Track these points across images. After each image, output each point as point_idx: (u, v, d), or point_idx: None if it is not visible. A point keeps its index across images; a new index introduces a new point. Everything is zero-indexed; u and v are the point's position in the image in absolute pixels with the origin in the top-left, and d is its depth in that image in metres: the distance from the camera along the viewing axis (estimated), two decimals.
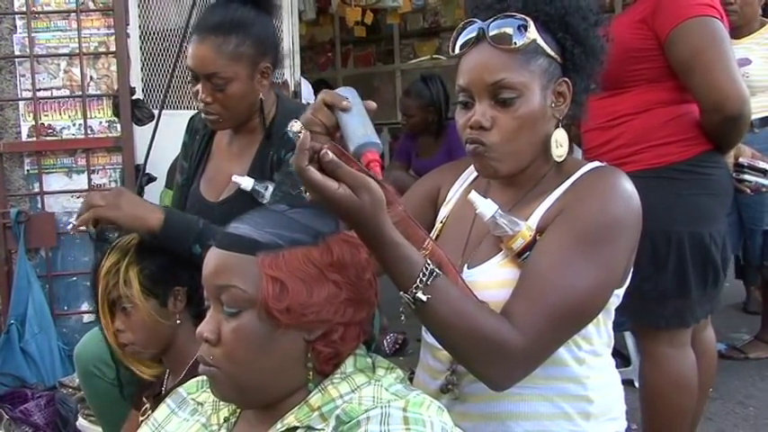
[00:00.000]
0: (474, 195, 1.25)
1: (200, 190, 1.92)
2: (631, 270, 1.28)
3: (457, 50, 1.27)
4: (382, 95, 7.41)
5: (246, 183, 1.65)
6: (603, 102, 2.11)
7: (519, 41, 1.21)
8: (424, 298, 1.03)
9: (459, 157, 4.23)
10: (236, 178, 1.55)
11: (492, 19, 1.23)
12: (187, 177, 1.98)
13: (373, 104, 1.18)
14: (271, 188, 1.74)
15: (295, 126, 1.14)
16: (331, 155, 0.97)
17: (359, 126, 1.11)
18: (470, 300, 1.11)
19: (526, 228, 1.21)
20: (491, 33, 1.22)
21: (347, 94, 1.16)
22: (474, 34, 1.24)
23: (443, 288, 1.05)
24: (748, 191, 2.25)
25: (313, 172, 0.96)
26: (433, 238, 1.37)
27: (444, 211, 1.41)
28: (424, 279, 1.03)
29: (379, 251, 1.02)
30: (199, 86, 1.78)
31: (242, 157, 1.86)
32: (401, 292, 1.05)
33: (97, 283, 1.64)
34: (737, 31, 3.40)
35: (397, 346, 3.83)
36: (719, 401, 3.00)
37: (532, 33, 1.21)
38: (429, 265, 1.04)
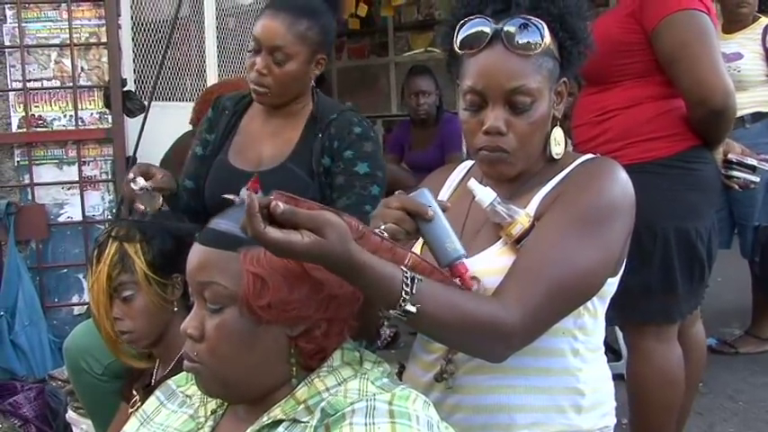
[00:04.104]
0: (473, 183, 1.25)
1: (228, 160, 1.98)
2: (625, 259, 1.29)
3: (458, 45, 1.25)
4: (376, 88, 7.40)
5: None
6: (593, 97, 2.12)
7: (537, 46, 1.20)
8: (413, 309, 1.01)
9: (452, 151, 4.23)
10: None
11: (505, 19, 1.20)
12: (212, 149, 2.02)
13: (447, 204, 1.19)
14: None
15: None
16: (282, 206, 0.90)
17: (445, 238, 1.14)
18: (457, 291, 1.11)
19: (524, 215, 1.22)
20: (508, 36, 1.20)
21: (425, 199, 1.16)
22: (485, 32, 1.21)
23: (428, 291, 1.03)
24: (737, 187, 2.26)
25: (273, 232, 0.89)
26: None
27: None
28: (408, 289, 1.01)
29: (358, 280, 0.98)
30: (256, 58, 1.86)
31: (278, 136, 1.93)
32: (390, 311, 1.01)
33: (94, 271, 1.64)
34: (730, 27, 3.41)
35: (389, 340, 3.84)
36: (709, 396, 3.01)
37: (547, 38, 1.20)
38: (407, 273, 1.02)
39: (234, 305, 0.99)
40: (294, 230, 0.90)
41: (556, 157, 1.29)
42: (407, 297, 1.00)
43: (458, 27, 1.25)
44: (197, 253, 1.02)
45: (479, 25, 1.22)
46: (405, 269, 1.02)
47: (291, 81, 1.88)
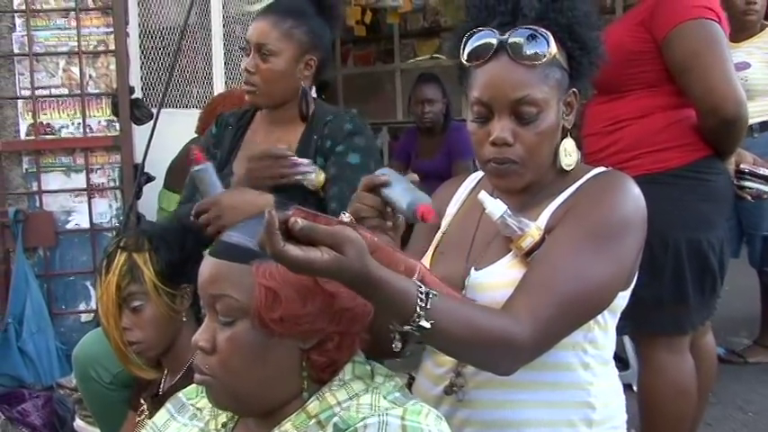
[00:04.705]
0: (483, 195, 1.25)
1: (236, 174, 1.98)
2: (636, 273, 1.28)
3: (465, 57, 1.25)
4: (382, 95, 7.41)
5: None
6: (603, 106, 2.11)
7: (542, 56, 1.20)
8: (427, 325, 1.00)
9: (459, 159, 4.21)
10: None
11: (511, 30, 1.21)
12: (219, 163, 2.02)
13: (416, 177, 1.20)
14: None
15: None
16: (300, 221, 0.89)
17: (404, 192, 1.15)
18: (467, 304, 1.11)
19: (535, 227, 1.22)
20: (513, 47, 1.20)
21: (382, 171, 1.20)
22: (490, 44, 1.22)
23: (442, 306, 1.03)
24: (749, 197, 2.24)
25: (293, 250, 0.88)
26: (434, 249, 1.37)
27: (444, 224, 1.41)
28: (422, 305, 1.00)
29: (373, 295, 0.97)
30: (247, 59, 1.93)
31: (281, 144, 1.95)
32: (404, 326, 1.00)
33: (103, 281, 1.64)
34: (737, 35, 3.39)
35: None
36: (719, 406, 2.99)
37: (553, 48, 1.20)
38: (421, 288, 1.01)
39: (246, 318, 0.98)
40: (313, 247, 0.90)
41: (566, 168, 1.29)
42: (422, 313, 1.00)
43: (464, 39, 1.26)
44: (209, 265, 1.02)
45: (485, 37, 1.23)
46: (419, 283, 1.01)
47: (277, 78, 1.91)
